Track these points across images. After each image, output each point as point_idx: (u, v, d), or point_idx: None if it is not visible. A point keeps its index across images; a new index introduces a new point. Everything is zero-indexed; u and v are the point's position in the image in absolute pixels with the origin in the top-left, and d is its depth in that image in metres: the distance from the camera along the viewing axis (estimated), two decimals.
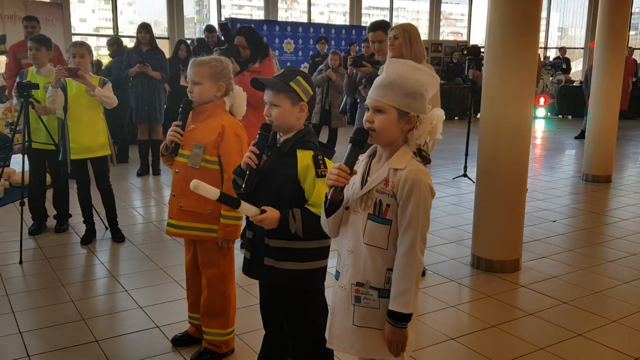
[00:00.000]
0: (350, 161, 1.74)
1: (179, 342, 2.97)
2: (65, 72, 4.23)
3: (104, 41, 13.32)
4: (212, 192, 1.98)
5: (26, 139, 4.49)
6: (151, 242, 4.67)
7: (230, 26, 4.50)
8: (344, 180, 1.71)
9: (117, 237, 4.66)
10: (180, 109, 2.66)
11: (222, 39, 4.49)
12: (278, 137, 2.18)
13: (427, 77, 1.80)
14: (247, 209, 2.04)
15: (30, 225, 4.88)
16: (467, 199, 5.98)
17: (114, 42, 8.58)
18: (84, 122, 4.37)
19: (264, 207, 2.05)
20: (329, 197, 1.75)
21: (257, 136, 2.13)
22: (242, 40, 4.42)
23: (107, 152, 4.51)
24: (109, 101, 4.35)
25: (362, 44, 8.63)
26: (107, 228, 4.81)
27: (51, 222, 5.00)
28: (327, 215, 1.83)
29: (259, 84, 2.15)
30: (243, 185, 2.11)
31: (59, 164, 4.73)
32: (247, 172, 2.10)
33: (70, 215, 5.04)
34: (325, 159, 2.10)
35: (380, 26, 4.25)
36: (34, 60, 4.60)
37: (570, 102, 14.33)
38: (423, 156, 1.80)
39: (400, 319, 1.74)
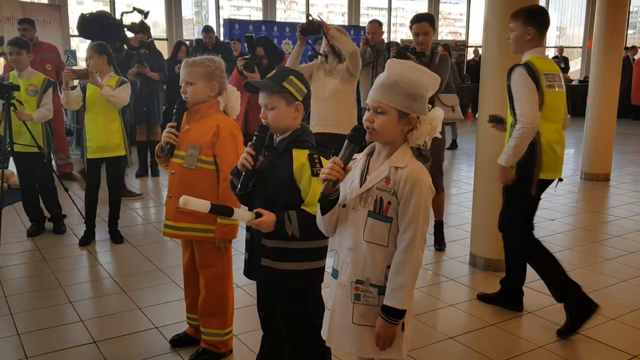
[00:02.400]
0: (345, 157, 1.74)
1: (178, 342, 2.97)
2: (72, 75, 4.32)
3: None
4: (202, 205, 1.96)
5: (7, 141, 4.49)
6: (150, 243, 4.66)
7: (254, 37, 4.78)
8: (336, 174, 1.71)
9: (116, 238, 4.66)
10: (174, 110, 2.66)
11: (247, 50, 4.78)
12: (275, 137, 2.18)
13: (428, 78, 1.80)
14: (241, 215, 2.03)
15: (29, 227, 4.88)
16: (466, 198, 5.98)
17: None
18: (99, 122, 4.42)
19: (259, 210, 2.04)
20: (321, 191, 1.75)
21: (254, 137, 2.13)
22: (261, 51, 4.61)
23: (121, 152, 4.52)
24: (115, 100, 4.36)
25: (361, 41, 8.63)
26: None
27: (49, 224, 4.99)
28: (323, 213, 1.83)
29: (252, 87, 2.15)
30: (239, 187, 2.11)
31: (44, 166, 4.73)
32: (243, 174, 2.10)
33: (65, 216, 5.03)
34: (322, 158, 2.09)
35: (426, 18, 4.22)
36: (16, 64, 4.62)
37: (568, 101, 14.33)
38: (422, 155, 1.80)
39: (394, 315, 1.74)
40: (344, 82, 4.21)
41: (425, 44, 4.15)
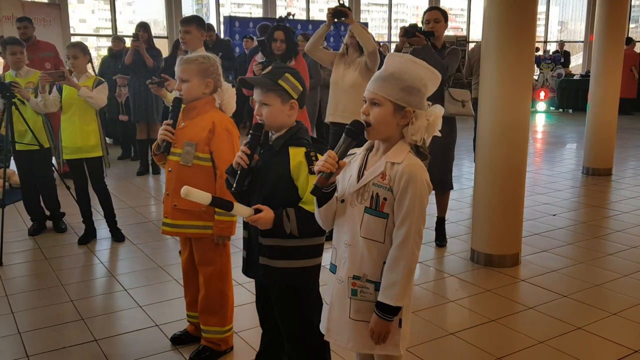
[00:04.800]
0: (341, 150, 1.73)
1: (178, 340, 2.97)
2: (49, 78, 4.27)
3: (103, 41, 13.32)
4: (203, 197, 1.96)
5: (9, 140, 4.48)
6: (150, 241, 4.67)
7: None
8: (330, 167, 1.70)
9: (117, 236, 4.66)
10: (170, 107, 2.66)
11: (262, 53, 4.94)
12: (270, 135, 2.17)
13: (427, 73, 1.78)
14: (240, 210, 2.03)
15: (30, 226, 4.88)
16: (467, 194, 5.97)
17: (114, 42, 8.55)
18: (75, 122, 4.37)
19: (258, 206, 2.04)
20: (314, 183, 1.74)
21: (249, 136, 2.12)
22: (281, 35, 4.63)
23: (98, 153, 4.48)
24: (93, 102, 4.32)
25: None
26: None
27: (51, 223, 4.99)
28: (319, 205, 1.82)
29: (246, 84, 2.14)
30: (234, 185, 2.10)
31: (43, 163, 4.73)
32: (238, 172, 2.09)
33: (64, 214, 5.03)
34: (318, 154, 2.08)
35: (438, 7, 4.36)
36: (18, 64, 4.63)
37: (570, 96, 14.31)
38: (420, 152, 1.78)
39: (388, 311, 1.73)
40: (362, 76, 4.33)
41: (436, 32, 4.16)
